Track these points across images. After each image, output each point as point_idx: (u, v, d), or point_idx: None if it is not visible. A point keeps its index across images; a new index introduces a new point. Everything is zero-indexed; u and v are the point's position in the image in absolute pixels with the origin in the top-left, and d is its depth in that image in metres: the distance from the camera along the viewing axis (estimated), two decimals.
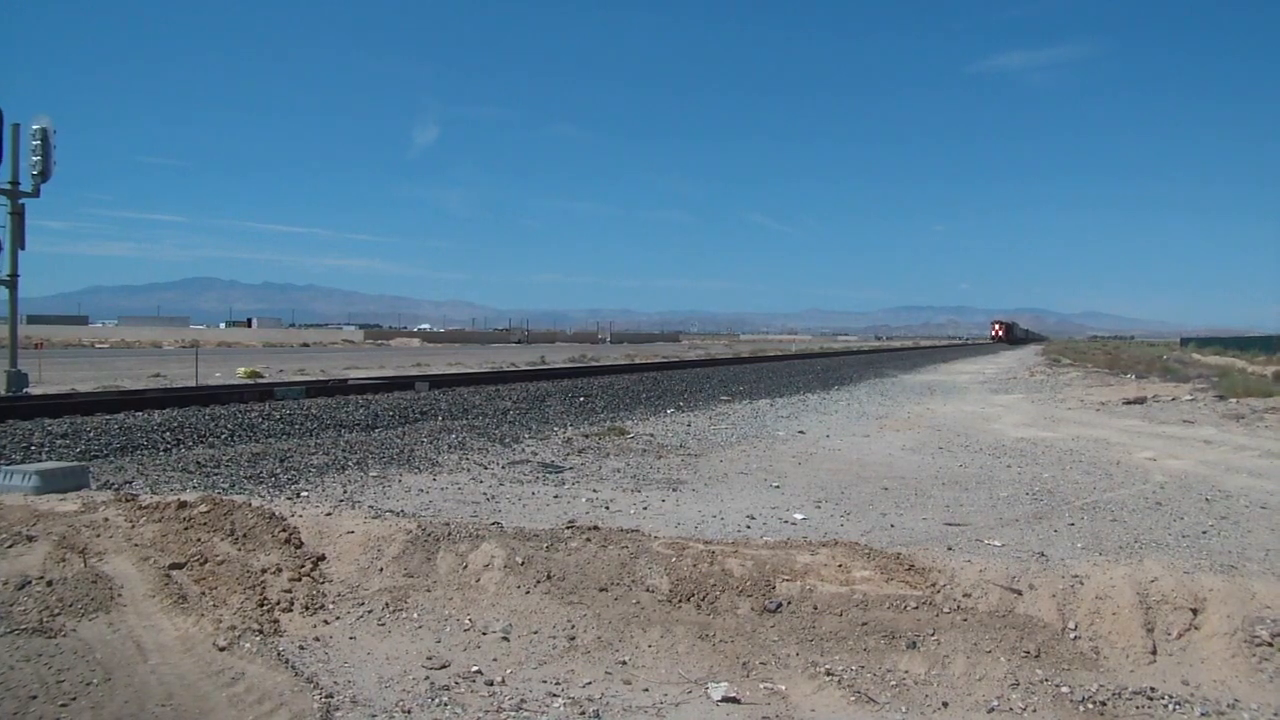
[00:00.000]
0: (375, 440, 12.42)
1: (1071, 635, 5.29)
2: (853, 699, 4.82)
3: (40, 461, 9.68)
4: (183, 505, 6.59)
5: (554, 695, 4.76)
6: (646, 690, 4.89)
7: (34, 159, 18.75)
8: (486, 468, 10.56)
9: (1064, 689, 4.86)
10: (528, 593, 5.74)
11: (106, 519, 6.32)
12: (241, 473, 9.50)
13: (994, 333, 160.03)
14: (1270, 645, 5.10)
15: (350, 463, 10.46)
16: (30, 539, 5.91)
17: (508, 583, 5.83)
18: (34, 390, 18.92)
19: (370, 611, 5.65)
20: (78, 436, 11.57)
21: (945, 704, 4.79)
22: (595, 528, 6.68)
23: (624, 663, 5.16)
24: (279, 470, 9.75)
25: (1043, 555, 6.36)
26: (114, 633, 5.04)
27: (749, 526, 7.62)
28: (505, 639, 5.37)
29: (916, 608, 5.48)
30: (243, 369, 30.38)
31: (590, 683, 4.94)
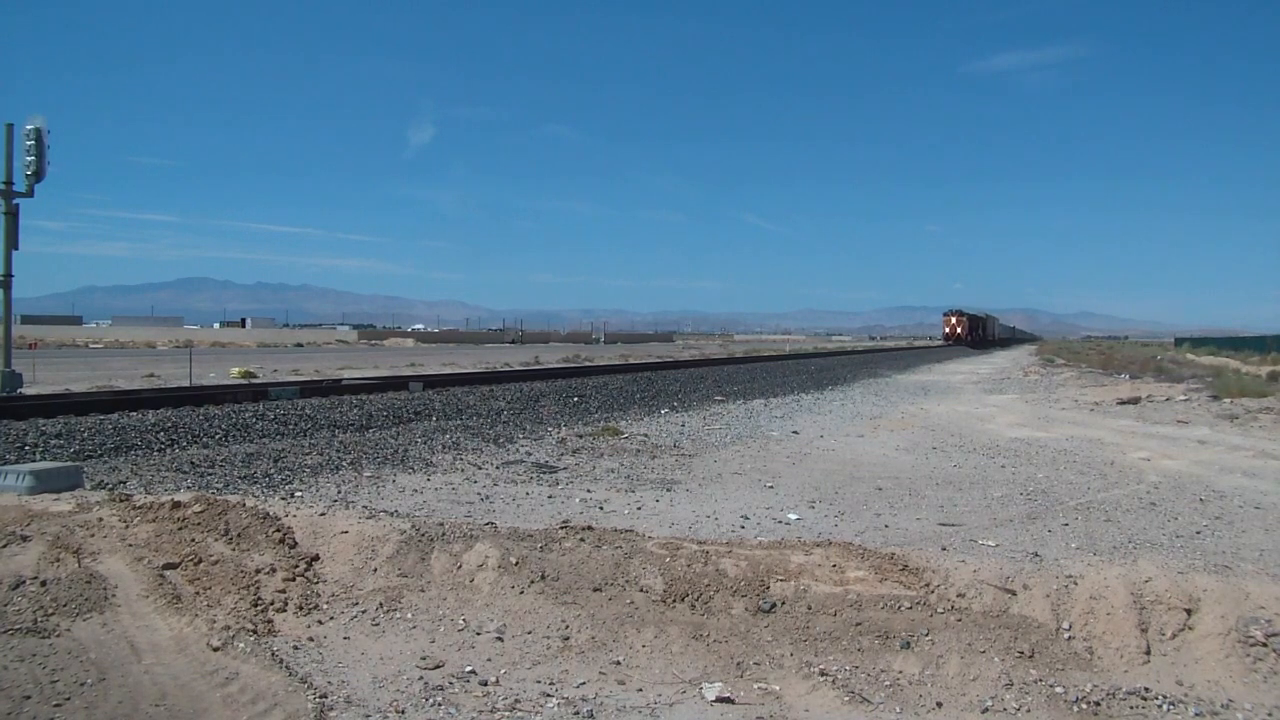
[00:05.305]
0: (369, 440, 12.40)
1: (1065, 635, 5.30)
2: (847, 699, 4.83)
3: (34, 461, 9.65)
4: (177, 505, 6.58)
5: (548, 695, 4.76)
6: (640, 690, 4.89)
7: (28, 159, 18.72)
8: (481, 468, 10.55)
9: (1058, 689, 4.87)
10: (522, 593, 5.73)
11: (100, 519, 6.30)
12: (235, 473, 9.48)
13: (948, 330, 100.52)
14: (1264, 645, 5.12)
15: (344, 463, 10.44)
16: (24, 539, 5.89)
17: (502, 583, 5.82)
18: (28, 390, 18.86)
19: (364, 612, 5.64)
20: (72, 436, 11.53)
21: (939, 704, 4.80)
22: (589, 528, 6.67)
23: (618, 663, 5.16)
24: (273, 470, 9.73)
25: (1037, 555, 6.37)
26: (108, 633, 5.03)
27: (743, 527, 7.62)
28: (499, 639, 5.37)
29: (910, 608, 5.48)
30: (236, 369, 30.32)
31: (584, 683, 4.94)
